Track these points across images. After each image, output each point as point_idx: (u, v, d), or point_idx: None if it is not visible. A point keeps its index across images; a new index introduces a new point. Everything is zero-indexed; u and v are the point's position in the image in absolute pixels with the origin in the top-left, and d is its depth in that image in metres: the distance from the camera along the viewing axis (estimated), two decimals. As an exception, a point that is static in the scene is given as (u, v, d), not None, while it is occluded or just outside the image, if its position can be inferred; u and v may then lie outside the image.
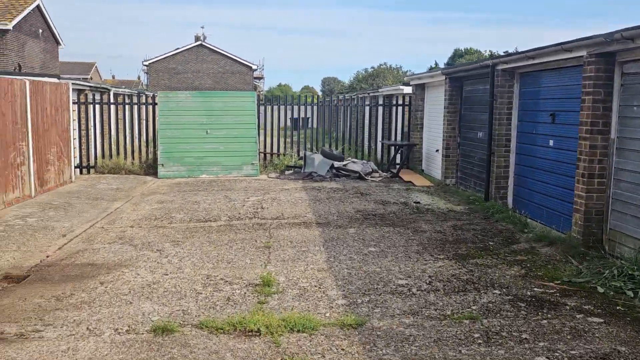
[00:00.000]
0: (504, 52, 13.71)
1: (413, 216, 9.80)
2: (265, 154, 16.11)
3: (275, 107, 16.21)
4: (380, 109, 17.24)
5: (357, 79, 58.56)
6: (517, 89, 9.90)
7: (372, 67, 59.02)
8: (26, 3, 25.82)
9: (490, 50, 70.27)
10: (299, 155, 16.15)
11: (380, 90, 19.89)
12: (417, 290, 6.00)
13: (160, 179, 14.34)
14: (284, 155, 16.01)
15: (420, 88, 15.62)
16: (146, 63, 51.51)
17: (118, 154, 15.46)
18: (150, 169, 15.13)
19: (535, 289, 6.07)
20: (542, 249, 7.62)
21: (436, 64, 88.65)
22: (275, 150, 16.39)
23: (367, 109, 18.64)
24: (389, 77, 50.37)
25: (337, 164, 14.76)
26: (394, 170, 15.49)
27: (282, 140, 16.63)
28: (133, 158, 15.53)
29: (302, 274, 6.54)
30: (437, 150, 14.48)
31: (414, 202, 11.07)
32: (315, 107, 17.42)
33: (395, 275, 6.50)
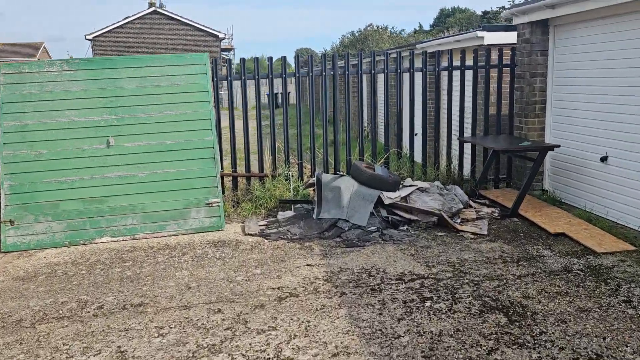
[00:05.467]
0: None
1: None
2: (234, 177, 8.18)
3: (252, 82, 8.14)
4: (448, 75, 9.33)
5: (343, 44, 50.25)
6: None
7: (359, 30, 50.68)
8: None
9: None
10: (299, 172, 8.24)
11: (421, 44, 11.97)
12: None
13: (5, 256, 6.42)
14: (274, 177, 8.09)
15: (541, 29, 7.81)
16: (90, 37, 42.62)
17: None
18: (-6, 227, 7.15)
19: None
20: None
21: (420, 26, 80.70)
22: (254, 166, 8.44)
23: (393, 75, 9.96)
24: (384, 38, 42.17)
25: (388, 196, 6.93)
26: (497, 199, 7.72)
27: (266, 141, 8.54)
28: (-41, 205, 7.49)
29: None
30: (603, 159, 6.74)
31: None
32: (304, 78, 9.19)
33: None
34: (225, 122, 8.37)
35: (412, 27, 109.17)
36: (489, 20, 53.91)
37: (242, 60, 7.84)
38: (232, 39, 52.06)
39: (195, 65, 7.35)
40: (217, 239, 6.75)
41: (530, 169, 7.39)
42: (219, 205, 7.17)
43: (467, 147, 8.80)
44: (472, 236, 6.44)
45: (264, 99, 8.46)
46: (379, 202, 7.00)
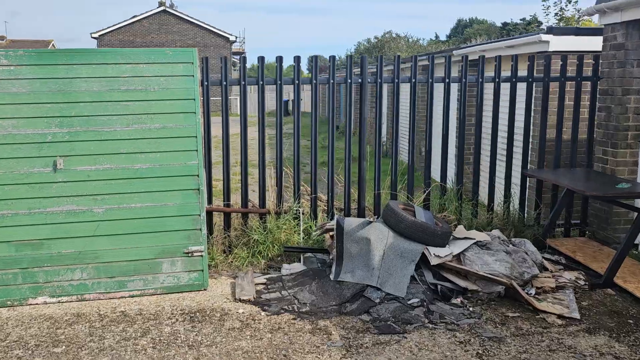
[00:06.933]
0: None
1: None
2: (227, 213, 6.22)
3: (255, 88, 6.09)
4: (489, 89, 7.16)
5: (359, 51, 48.50)
6: None
7: (376, 38, 48.89)
8: None
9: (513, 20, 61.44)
10: (312, 208, 6.29)
11: (459, 50, 10.07)
12: None
13: None
14: (279, 214, 6.14)
15: (639, 32, 5.89)
16: (95, 35, 41.02)
17: None
18: None
19: None
20: None
21: (437, 36, 78.79)
22: (254, 197, 6.50)
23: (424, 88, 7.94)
24: (400, 46, 40.28)
25: (435, 254, 4.97)
26: (574, 255, 5.75)
27: (266, 157, 6.52)
28: None
29: None
30: None
31: None
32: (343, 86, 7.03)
33: None
34: (217, 131, 6.47)
35: (428, 37, 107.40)
36: (509, 32, 51.97)
37: (243, 59, 5.95)
38: (244, 42, 50.45)
39: (179, 65, 5.43)
40: (195, 307, 4.83)
41: (626, 220, 5.43)
42: (201, 256, 5.26)
43: (524, 181, 6.85)
44: (559, 321, 4.48)
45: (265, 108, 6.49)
46: (422, 261, 5.06)
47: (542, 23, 48.19)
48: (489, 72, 6.68)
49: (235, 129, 6.51)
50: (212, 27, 42.40)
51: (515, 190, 6.61)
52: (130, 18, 41.43)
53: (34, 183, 5.09)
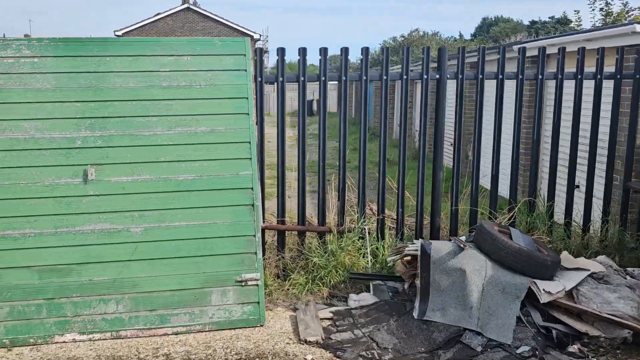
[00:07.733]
0: None
1: None
2: (281, 231, 5.34)
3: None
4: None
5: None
6: None
7: (402, 36, 47.80)
8: None
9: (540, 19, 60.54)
10: (379, 227, 5.37)
11: (519, 45, 9.08)
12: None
13: None
14: (342, 233, 5.25)
15: None
16: (119, 33, 40.52)
17: None
18: None
19: None
20: None
21: (461, 35, 77.32)
22: (311, 212, 5.60)
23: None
24: (432, 44, 39.16)
25: (545, 289, 4.06)
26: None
27: (331, 176, 5.61)
28: None
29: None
30: None
31: None
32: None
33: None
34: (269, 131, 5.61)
35: (452, 35, 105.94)
36: (537, 31, 50.51)
37: (303, 51, 5.08)
38: (267, 40, 49.72)
39: (229, 57, 4.59)
40: (253, 350, 3.98)
41: None
42: (257, 285, 4.41)
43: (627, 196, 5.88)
44: None
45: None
46: (528, 297, 4.15)
47: (571, 21, 46.68)
48: (552, 69, 5.72)
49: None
50: (236, 24, 41.70)
51: (614, 206, 5.65)
52: (154, 16, 40.91)
53: (60, 197, 4.29)
